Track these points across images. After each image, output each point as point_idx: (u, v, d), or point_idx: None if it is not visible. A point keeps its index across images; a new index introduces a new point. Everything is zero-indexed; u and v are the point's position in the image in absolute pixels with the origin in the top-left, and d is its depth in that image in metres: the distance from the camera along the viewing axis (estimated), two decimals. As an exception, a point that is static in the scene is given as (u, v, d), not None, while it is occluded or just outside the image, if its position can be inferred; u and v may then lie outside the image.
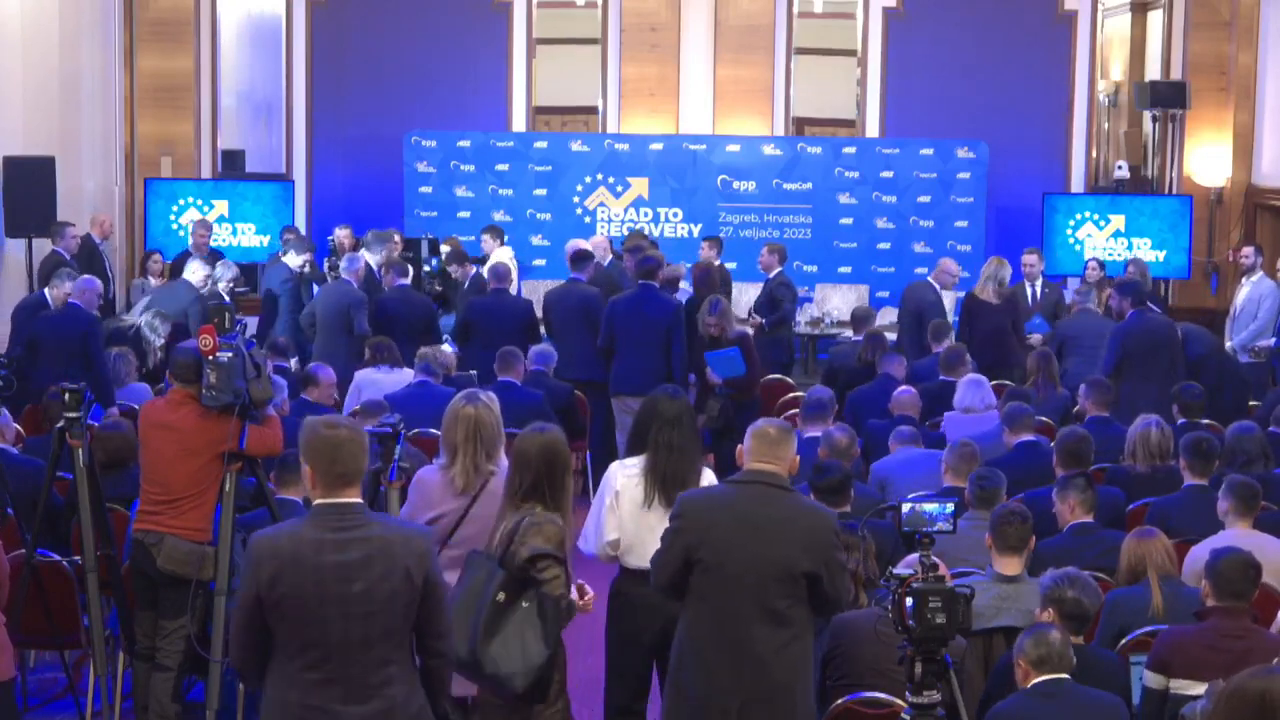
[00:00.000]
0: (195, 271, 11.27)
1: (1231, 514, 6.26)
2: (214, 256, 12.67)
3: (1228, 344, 12.29)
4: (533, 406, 8.61)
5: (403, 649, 4.27)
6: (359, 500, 4.28)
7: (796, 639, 4.83)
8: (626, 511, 5.51)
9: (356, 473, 4.27)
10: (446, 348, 10.36)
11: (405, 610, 4.23)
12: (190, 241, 13.32)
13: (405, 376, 9.43)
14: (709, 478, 5.72)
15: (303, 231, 14.25)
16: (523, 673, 4.59)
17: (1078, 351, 10.53)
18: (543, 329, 11.10)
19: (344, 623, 4.17)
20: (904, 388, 9.00)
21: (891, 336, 11.23)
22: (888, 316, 13.47)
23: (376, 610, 4.19)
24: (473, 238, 14.38)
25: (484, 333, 10.44)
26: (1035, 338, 11.38)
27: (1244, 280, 12.52)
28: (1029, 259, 12.51)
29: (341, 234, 13.46)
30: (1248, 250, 12.62)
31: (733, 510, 4.89)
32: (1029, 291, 12.28)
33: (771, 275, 12.21)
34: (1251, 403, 10.03)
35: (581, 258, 11.23)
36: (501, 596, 4.60)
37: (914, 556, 4.65)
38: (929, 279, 12.00)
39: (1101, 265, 12.90)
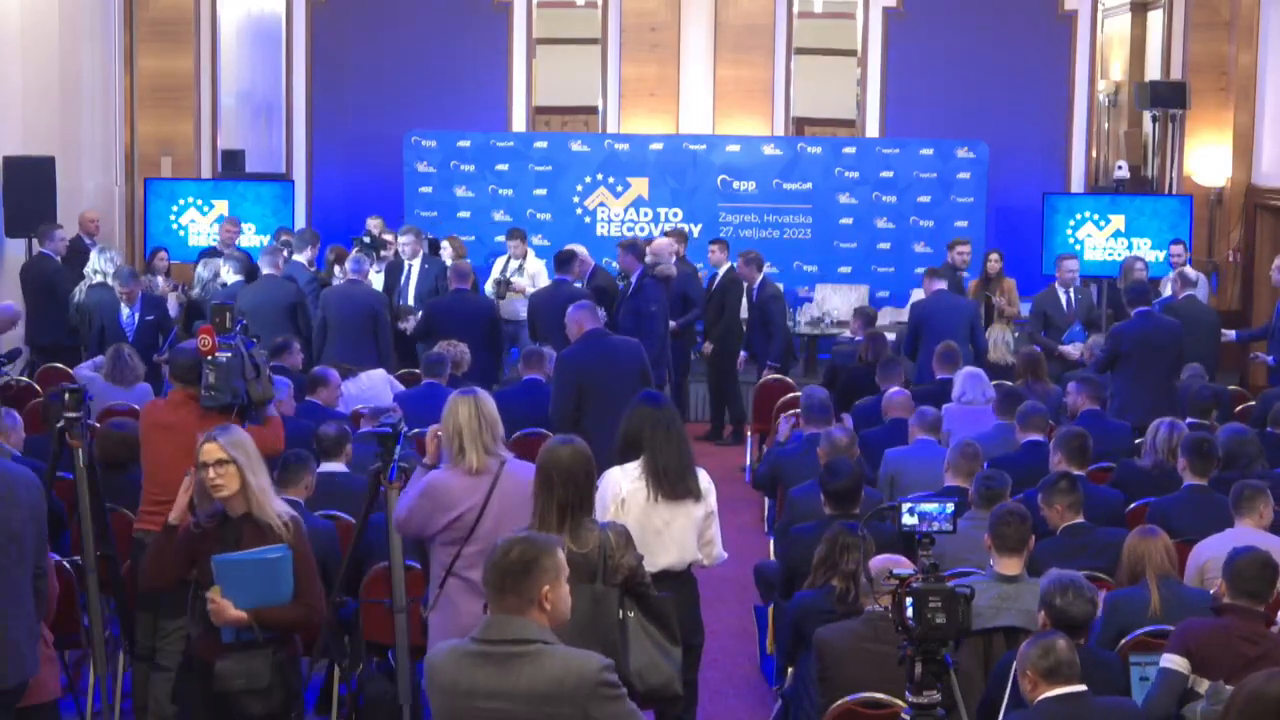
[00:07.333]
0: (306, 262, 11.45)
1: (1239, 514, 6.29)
2: (240, 254, 12.62)
3: None
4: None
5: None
6: None
7: None
8: (634, 516, 5.49)
9: None
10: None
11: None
12: (219, 239, 13.32)
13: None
14: (704, 476, 5.74)
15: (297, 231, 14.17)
16: (675, 676, 4.62)
17: (931, 337, 10.54)
18: (529, 330, 11.14)
19: None
20: (895, 389, 8.98)
21: (890, 338, 11.21)
22: (887, 316, 13.46)
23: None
24: (473, 238, 14.39)
25: (446, 333, 10.19)
26: (1075, 346, 11.46)
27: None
28: (1070, 264, 12.32)
29: (373, 225, 13.37)
30: (1177, 249, 12.67)
31: None
32: (1065, 297, 12.06)
33: (720, 272, 12.29)
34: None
35: (567, 259, 11.21)
36: (621, 614, 4.59)
37: (885, 557, 4.65)
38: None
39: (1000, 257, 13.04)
